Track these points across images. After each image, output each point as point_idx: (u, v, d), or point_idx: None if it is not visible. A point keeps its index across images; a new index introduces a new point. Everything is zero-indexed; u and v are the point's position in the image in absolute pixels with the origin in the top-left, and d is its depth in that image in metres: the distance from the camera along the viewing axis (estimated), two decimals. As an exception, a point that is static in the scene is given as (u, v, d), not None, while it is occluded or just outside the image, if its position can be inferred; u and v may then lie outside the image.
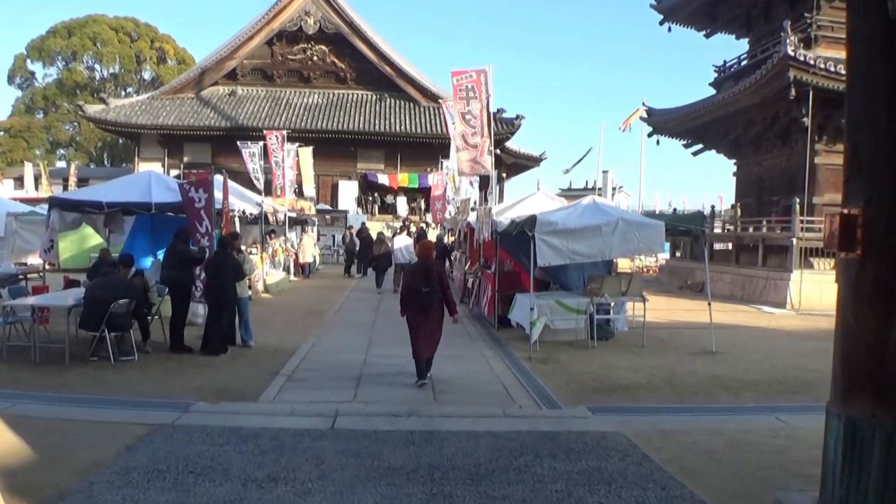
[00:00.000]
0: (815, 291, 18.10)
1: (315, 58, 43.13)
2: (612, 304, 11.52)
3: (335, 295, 18.31)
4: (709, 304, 11.29)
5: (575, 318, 11.04)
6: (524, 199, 14.40)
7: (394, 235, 20.75)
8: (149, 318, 10.01)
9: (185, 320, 10.16)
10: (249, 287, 11.04)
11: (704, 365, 9.79)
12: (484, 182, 25.98)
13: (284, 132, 22.59)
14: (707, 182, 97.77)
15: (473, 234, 17.69)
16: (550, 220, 10.29)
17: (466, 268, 18.03)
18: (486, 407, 7.22)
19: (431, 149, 40.96)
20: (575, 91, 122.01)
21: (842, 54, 15.53)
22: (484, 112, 12.83)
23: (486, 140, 12.81)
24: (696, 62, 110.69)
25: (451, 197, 24.22)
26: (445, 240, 23.57)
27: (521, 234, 11.18)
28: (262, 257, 16.80)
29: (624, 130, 46.93)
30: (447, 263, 21.14)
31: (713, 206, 29.67)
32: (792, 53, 17.38)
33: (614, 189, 50.58)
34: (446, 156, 41.57)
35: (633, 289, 11.31)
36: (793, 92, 17.73)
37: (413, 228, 23.68)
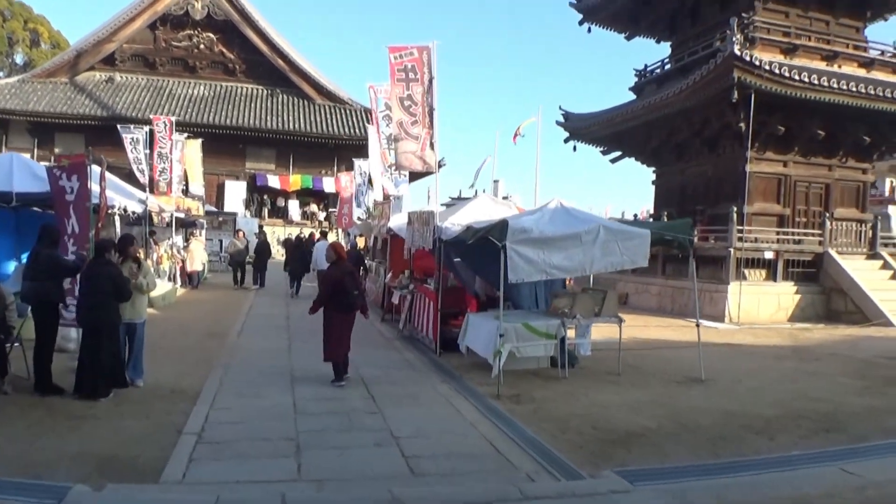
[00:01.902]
0: (752, 304, 17.44)
1: (202, 46, 39.75)
2: (576, 327, 9.87)
3: (233, 310, 15.72)
4: (697, 326, 9.89)
5: (544, 343, 9.29)
6: (466, 203, 12.58)
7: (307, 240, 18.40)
8: (7, 345, 7.41)
9: (53, 349, 7.57)
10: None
11: (704, 398, 8.29)
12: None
13: (173, 118, 19.58)
14: (624, 190, 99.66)
15: (396, 243, 15.71)
16: (524, 226, 8.48)
17: (388, 280, 15.97)
18: (487, 482, 5.28)
19: (327, 150, 38.76)
20: (480, 95, 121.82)
21: (778, 57, 14.78)
22: (426, 98, 10.87)
23: (430, 131, 10.84)
24: (613, 65, 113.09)
25: (362, 200, 22.03)
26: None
27: (480, 245, 9.32)
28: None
29: (518, 136, 45.26)
30: (362, 273, 18.99)
31: (635, 215, 29.09)
32: (738, 53, 16.57)
33: (505, 198, 49.63)
34: (343, 157, 39.37)
35: (607, 307, 9.71)
36: (735, 94, 16.94)
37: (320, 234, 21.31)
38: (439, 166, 34.74)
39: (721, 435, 6.73)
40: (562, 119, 26.38)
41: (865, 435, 6.81)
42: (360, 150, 29.87)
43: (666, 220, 21.30)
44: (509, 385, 8.51)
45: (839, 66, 19.71)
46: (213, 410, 7.05)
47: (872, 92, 17.93)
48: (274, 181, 38.73)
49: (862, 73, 19.73)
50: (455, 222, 10.93)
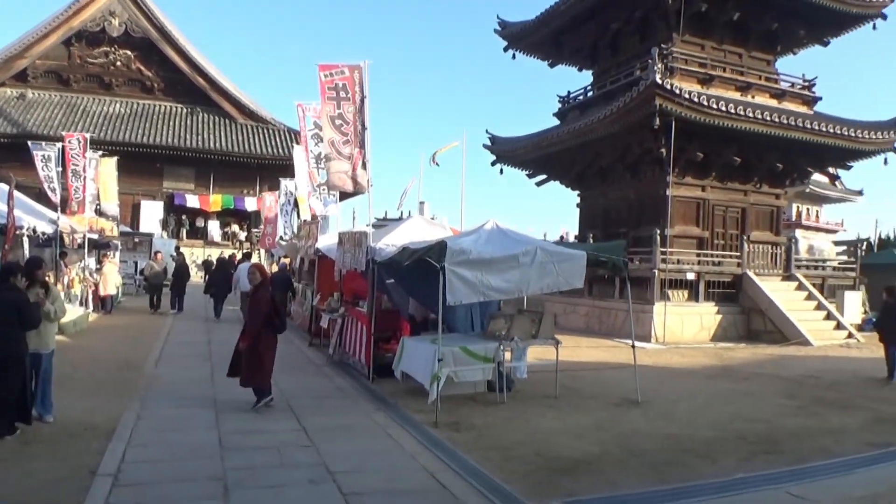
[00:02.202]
0: (677, 324, 17.80)
1: (119, 63, 38.30)
2: (513, 349, 9.70)
3: (150, 337, 14.77)
4: (632, 347, 9.84)
5: (482, 367, 9.04)
6: (399, 223, 12.29)
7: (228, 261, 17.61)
8: None
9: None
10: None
11: (645, 421, 8.22)
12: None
13: (87, 135, 18.49)
14: (548, 212, 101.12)
15: (324, 264, 15.21)
16: (463, 247, 8.25)
17: (316, 303, 15.43)
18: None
19: (249, 169, 37.91)
20: (405, 116, 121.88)
21: (695, 87, 15.28)
22: (358, 117, 10.55)
23: (362, 151, 10.51)
24: (537, 91, 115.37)
25: (287, 220, 21.38)
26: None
27: (414, 266, 9.04)
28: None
29: (434, 163, 44.57)
30: (290, 295, 18.35)
31: (561, 237, 29.43)
32: (660, 81, 17.06)
33: (432, 219, 49.50)
34: (266, 177, 38.61)
35: (544, 329, 9.57)
36: (657, 120, 17.40)
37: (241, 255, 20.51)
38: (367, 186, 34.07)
39: (666, 460, 6.63)
40: (489, 142, 26.58)
41: (804, 456, 6.86)
42: (285, 169, 29.21)
43: (592, 241, 21.75)
44: (447, 412, 8.21)
45: (752, 97, 20.63)
46: (130, 448, 6.43)
47: (785, 121, 18.80)
48: (193, 201, 37.48)
49: (774, 103, 20.72)
50: (389, 243, 10.60)
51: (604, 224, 22.99)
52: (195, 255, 34.09)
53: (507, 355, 9.46)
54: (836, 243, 45.24)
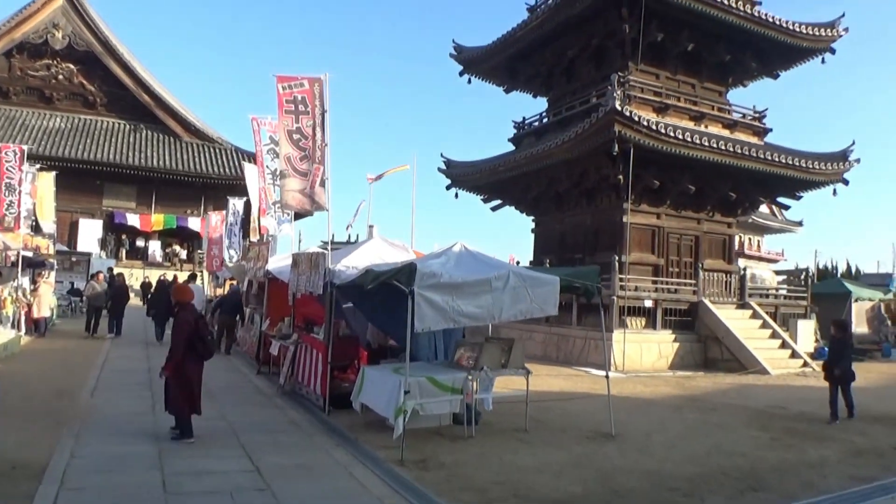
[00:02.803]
0: (636, 352, 17.59)
1: (61, 76, 36.96)
2: (480, 380, 9.17)
3: (86, 363, 13.72)
4: (606, 377, 9.44)
5: (449, 399, 8.47)
6: (359, 245, 11.70)
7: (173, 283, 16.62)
8: None
9: None
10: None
11: (622, 456, 7.78)
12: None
13: (25, 147, 17.32)
14: (501, 237, 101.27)
15: (275, 287, 14.45)
16: (433, 270, 7.73)
17: (265, 329, 14.62)
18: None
19: (193, 189, 36.86)
20: (355, 138, 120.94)
21: (651, 115, 15.34)
22: (318, 132, 9.98)
23: (321, 167, 9.93)
24: (493, 116, 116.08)
25: (234, 241, 20.45)
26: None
27: (376, 290, 8.47)
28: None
29: (376, 180, 43.37)
30: (238, 319, 17.44)
31: (517, 263, 29.12)
32: (619, 108, 17.01)
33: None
34: (211, 197, 37.49)
35: (514, 358, 9.08)
36: (616, 147, 17.33)
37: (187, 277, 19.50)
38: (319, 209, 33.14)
39: (653, 500, 6.19)
40: (444, 166, 26.26)
41: (792, 492, 6.53)
42: (231, 189, 28.36)
43: (548, 266, 21.48)
44: (413, 448, 7.60)
45: (706, 126, 20.86)
46: (64, 491, 5.65)
47: (739, 151, 19.02)
48: (134, 220, 36.10)
49: (726, 133, 20.99)
50: (349, 265, 10.01)
51: (559, 250, 22.79)
52: (134, 275, 32.67)
53: (475, 386, 8.92)
54: (777, 272, 46.44)
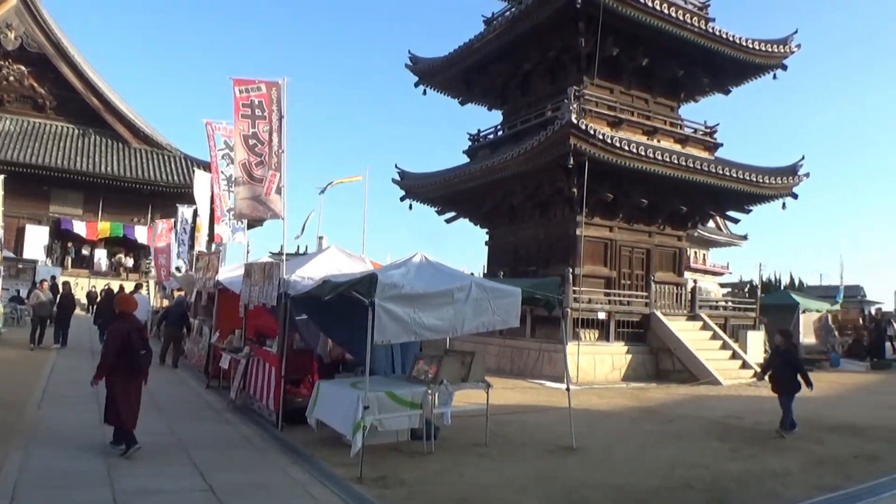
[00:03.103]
0: (589, 364, 17.63)
1: (11, 78, 35.79)
2: (440, 393, 8.97)
3: (31, 374, 13.05)
4: (567, 390, 9.36)
5: (409, 414, 8.26)
6: (315, 255, 11.39)
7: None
8: None
9: None
10: None
11: (585, 470, 7.67)
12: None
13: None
14: (455, 249, 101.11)
15: (225, 298, 14.00)
16: (394, 281, 7.52)
17: (215, 341, 14.13)
18: None
19: (141, 196, 35.90)
20: (306, 147, 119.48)
21: (605, 129, 15.50)
22: (275, 137, 9.69)
23: (277, 174, 9.63)
24: (447, 127, 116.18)
25: (183, 250, 19.82)
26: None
27: (332, 301, 8.22)
28: None
29: (322, 191, 42.56)
30: (185, 331, 16.84)
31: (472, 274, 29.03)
32: (575, 121, 17.12)
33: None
34: (159, 205, 36.48)
35: (475, 372, 8.92)
36: (571, 160, 17.43)
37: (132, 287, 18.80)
38: (263, 219, 32.19)
39: (621, 516, 6.08)
40: (398, 177, 26.08)
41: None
42: (180, 198, 27.57)
43: (502, 278, 21.40)
44: (371, 465, 7.35)
45: (658, 141, 21.19)
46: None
47: (691, 165, 19.36)
48: (80, 228, 34.95)
49: (678, 148, 21.37)
50: (304, 276, 9.72)
51: (513, 262, 22.79)
52: (80, 285, 31.55)
53: (434, 400, 8.72)
54: (722, 285, 47.69)
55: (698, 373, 17.13)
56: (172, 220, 21.29)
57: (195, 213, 20.00)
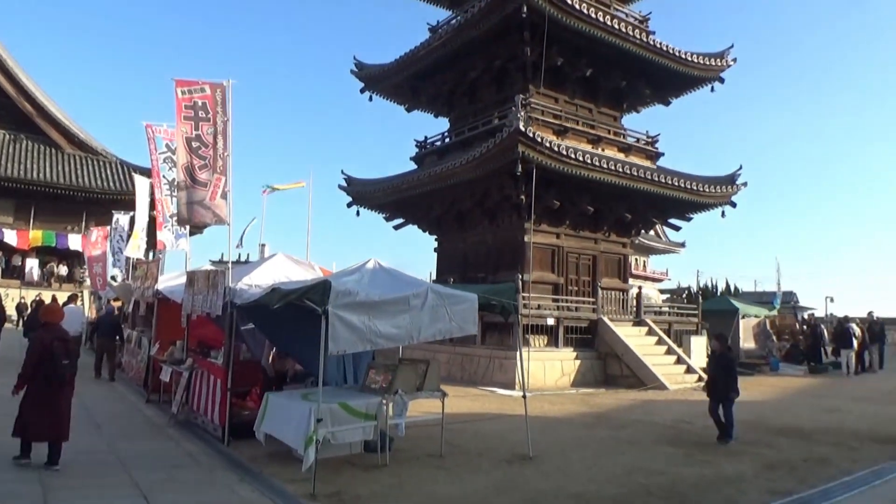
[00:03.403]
0: (539, 370, 17.64)
1: (-64, 82, 33.74)
2: (394, 404, 8.74)
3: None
4: (524, 397, 9.26)
5: (363, 426, 7.99)
6: (262, 262, 10.99)
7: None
8: None
9: None
10: None
11: (543, 479, 7.56)
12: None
13: None
14: (403, 255, 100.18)
15: (166, 308, 13.42)
16: (348, 288, 7.27)
17: (154, 353, 13.53)
18: None
19: (75, 203, 34.56)
20: (249, 154, 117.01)
21: (551, 137, 15.61)
22: (220, 140, 9.32)
23: (223, 178, 9.26)
24: (393, 134, 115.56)
25: (120, 258, 18.99)
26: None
27: (286, 310, 7.91)
28: None
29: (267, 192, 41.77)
30: (119, 342, 16.11)
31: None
32: (523, 129, 17.18)
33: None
34: (94, 213, 35.12)
35: (430, 381, 8.73)
36: (520, 167, 17.48)
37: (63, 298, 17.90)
38: (205, 225, 31.39)
39: (583, 525, 5.97)
40: (344, 184, 25.72)
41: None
42: (116, 205, 26.63)
43: (452, 284, 21.18)
44: (324, 480, 7.06)
45: (602, 150, 21.49)
46: None
47: (635, 173, 19.68)
48: (11, 236, 33.46)
49: (621, 157, 21.72)
50: (251, 283, 9.35)
51: (462, 269, 22.72)
52: (10, 296, 30.07)
53: (389, 410, 8.48)
54: (662, 291, 48.82)
55: (645, 378, 17.34)
56: (108, 227, 20.40)
57: (132, 220, 19.23)
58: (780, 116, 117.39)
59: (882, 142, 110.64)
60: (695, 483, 7.45)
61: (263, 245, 49.95)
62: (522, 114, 17.71)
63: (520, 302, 17.83)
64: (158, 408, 11.80)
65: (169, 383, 11.75)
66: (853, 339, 21.35)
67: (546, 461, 8.45)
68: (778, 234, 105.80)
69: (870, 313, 25.55)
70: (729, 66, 21.93)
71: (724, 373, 10.05)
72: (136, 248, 18.43)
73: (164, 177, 13.99)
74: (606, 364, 18.99)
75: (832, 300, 42.98)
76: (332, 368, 9.76)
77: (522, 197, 18.93)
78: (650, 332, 20.01)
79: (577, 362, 18.65)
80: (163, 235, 14.39)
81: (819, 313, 43.08)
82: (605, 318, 19.46)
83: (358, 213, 25.74)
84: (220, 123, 9.38)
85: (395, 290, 7.79)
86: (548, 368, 17.96)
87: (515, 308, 9.15)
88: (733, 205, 22.11)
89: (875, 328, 23.13)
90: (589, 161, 18.91)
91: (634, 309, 21.02)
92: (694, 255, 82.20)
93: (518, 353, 10.63)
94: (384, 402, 8.10)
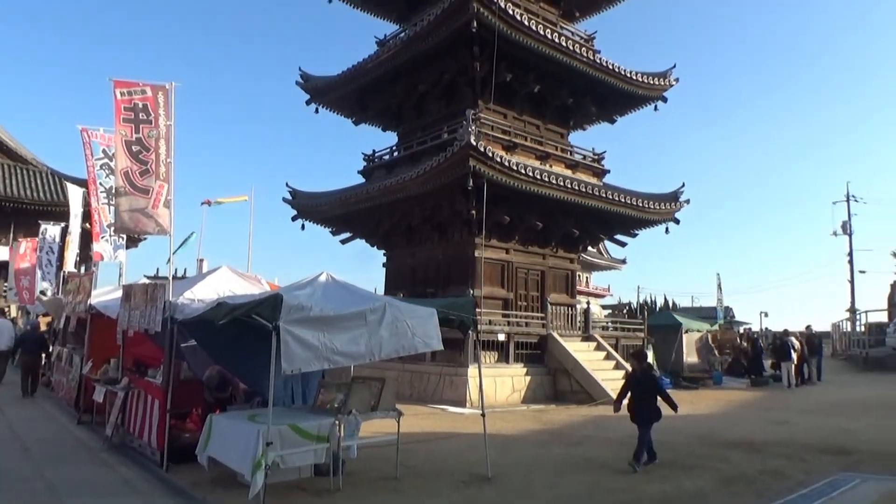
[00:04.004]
0: (490, 386, 17.40)
1: None
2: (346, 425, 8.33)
3: None
4: (482, 416, 8.97)
5: (314, 448, 7.55)
6: (205, 276, 10.44)
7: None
8: None
9: None
10: None
11: (505, 500, 7.31)
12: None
13: None
14: (351, 270, 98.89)
15: (99, 324, 12.67)
16: (302, 302, 6.87)
17: (87, 372, 12.73)
18: None
19: (2, 214, 32.68)
20: (189, 166, 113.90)
21: (500, 152, 15.58)
22: (162, 144, 8.81)
23: (165, 186, 8.74)
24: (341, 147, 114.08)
25: (47, 272, 17.94)
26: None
27: (233, 326, 7.46)
28: None
29: (207, 204, 40.41)
30: (44, 358, 15.17)
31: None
32: (474, 143, 17.06)
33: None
34: (23, 224, 33.34)
35: (385, 400, 8.36)
36: (471, 182, 17.33)
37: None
38: (139, 240, 30.22)
39: (550, 550, 5.72)
40: (289, 196, 25.13)
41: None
42: (45, 215, 25.32)
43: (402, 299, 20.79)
44: (274, 508, 6.63)
45: (550, 166, 21.58)
46: None
47: (583, 189, 19.80)
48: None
49: (569, 173, 21.85)
50: (194, 298, 8.84)
51: (411, 284, 22.38)
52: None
53: (342, 431, 8.08)
54: (604, 307, 49.51)
55: (595, 393, 17.31)
56: (37, 239, 19.28)
57: (64, 232, 18.24)
58: (707, 139, 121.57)
59: (802, 160, 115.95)
60: (658, 500, 7.32)
61: (202, 260, 48.32)
62: (473, 128, 17.60)
63: (478, 317, 17.84)
64: (91, 430, 11.08)
65: (102, 404, 11.04)
66: (792, 352, 21.88)
67: (506, 481, 8.18)
68: (713, 251, 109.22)
69: (808, 327, 26.32)
70: (672, 85, 22.39)
71: (649, 395, 9.14)
72: (68, 260, 17.45)
73: (100, 184, 13.21)
74: (556, 380, 18.92)
75: (766, 315, 44.34)
76: (280, 388, 9.26)
77: (473, 212, 18.80)
78: (598, 348, 20.07)
79: (528, 378, 18.52)
80: (100, 246, 13.59)
81: (755, 328, 44.27)
82: (555, 334, 19.42)
83: (303, 227, 25.18)
84: (164, 127, 8.88)
85: (350, 304, 7.44)
86: (499, 385, 17.76)
87: (474, 323, 8.90)
88: (677, 221, 22.48)
89: (814, 341, 23.81)
90: (538, 177, 18.92)
91: (582, 324, 21.07)
92: (634, 272, 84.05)
93: (477, 368, 10.42)
94: (338, 423, 7.69)
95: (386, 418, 8.46)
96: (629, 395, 9.35)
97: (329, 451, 7.65)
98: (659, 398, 9.17)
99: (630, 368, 9.37)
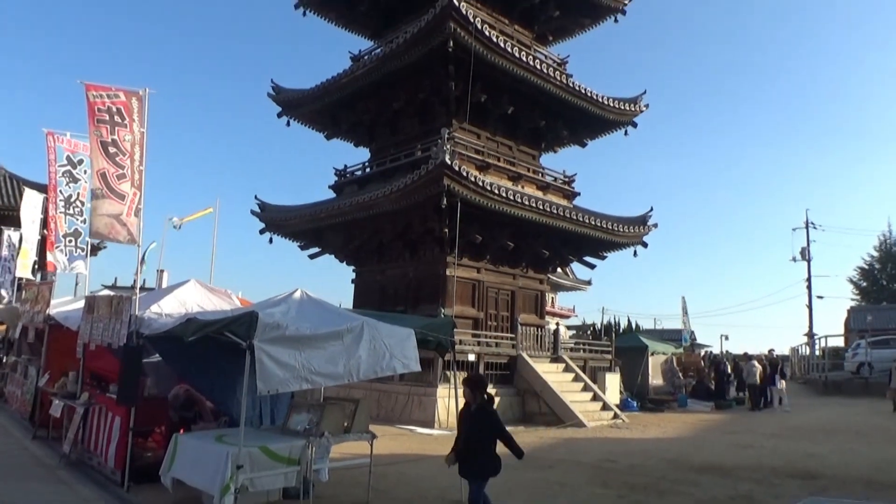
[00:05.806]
0: (459, 407, 17.18)
1: None
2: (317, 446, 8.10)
3: None
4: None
5: (285, 471, 7.31)
6: (172, 289, 10.12)
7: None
8: None
9: None
10: None
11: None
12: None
13: None
14: (320, 285, 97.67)
15: (58, 335, 12.23)
16: (276, 320, 6.67)
17: (43, 384, 12.25)
18: None
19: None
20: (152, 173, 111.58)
21: (473, 172, 15.58)
22: (137, 149, 8.55)
23: (138, 193, 8.47)
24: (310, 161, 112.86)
25: (4, 279, 17.30)
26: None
27: (202, 344, 7.22)
28: None
29: (177, 228, 39.86)
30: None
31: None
32: (449, 162, 17.02)
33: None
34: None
35: (359, 422, 8.16)
36: (445, 200, 17.27)
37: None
38: (99, 248, 29.36)
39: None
40: (258, 209, 24.77)
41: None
42: (4, 221, 24.40)
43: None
44: (242, 532, 6.37)
45: (522, 187, 21.65)
46: None
47: (555, 211, 19.90)
48: None
49: (540, 194, 21.94)
50: (161, 312, 8.54)
51: (380, 301, 22.14)
52: None
53: (313, 454, 7.84)
54: (569, 328, 49.77)
55: (563, 415, 17.25)
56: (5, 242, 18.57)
57: (21, 238, 17.63)
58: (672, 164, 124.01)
59: (765, 186, 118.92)
60: (634, 528, 7.23)
61: (162, 271, 47.24)
62: (448, 147, 17.57)
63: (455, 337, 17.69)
64: (48, 445, 10.67)
65: (60, 419, 10.60)
66: (756, 375, 22.18)
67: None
68: (676, 275, 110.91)
69: (770, 350, 26.73)
70: (642, 111, 22.72)
71: (485, 438, 6.73)
72: (24, 267, 16.84)
73: (60, 192, 12.67)
74: (525, 401, 18.82)
75: (727, 338, 44.99)
76: (250, 407, 8.99)
77: (445, 230, 18.71)
78: (567, 369, 20.06)
79: (497, 399, 18.24)
80: (53, 256, 13.05)
81: (715, 350, 44.84)
82: (525, 355, 19.36)
83: (271, 241, 24.84)
84: (138, 133, 8.62)
85: (326, 323, 7.26)
86: (466, 405, 17.54)
87: (452, 344, 8.78)
88: (645, 245, 22.71)
89: (776, 364, 24.16)
90: (511, 197, 18.95)
91: (552, 345, 21.05)
92: (598, 293, 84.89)
93: (447, 389, 10.20)
94: (309, 445, 7.46)
95: (360, 440, 8.24)
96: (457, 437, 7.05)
97: (300, 473, 7.42)
98: (500, 442, 6.74)
99: (463, 401, 7.05)
